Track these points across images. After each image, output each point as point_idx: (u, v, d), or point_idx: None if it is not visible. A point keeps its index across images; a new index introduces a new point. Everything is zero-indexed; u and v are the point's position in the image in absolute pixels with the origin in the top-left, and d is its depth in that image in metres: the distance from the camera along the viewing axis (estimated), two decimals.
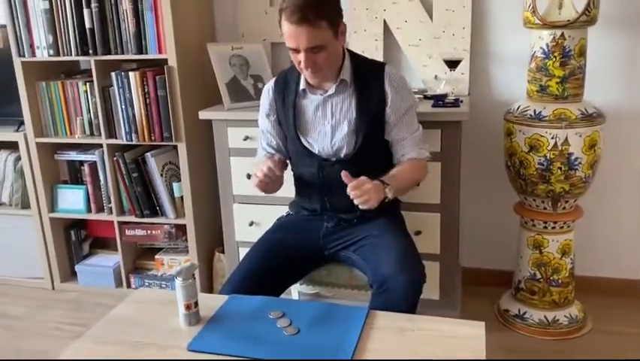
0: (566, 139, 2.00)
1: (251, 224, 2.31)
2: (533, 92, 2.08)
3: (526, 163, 2.07)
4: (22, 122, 2.63)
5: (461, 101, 2.14)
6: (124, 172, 2.53)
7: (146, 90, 2.37)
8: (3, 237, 2.82)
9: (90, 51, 2.40)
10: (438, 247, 2.15)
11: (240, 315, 1.41)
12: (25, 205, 2.76)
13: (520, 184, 2.15)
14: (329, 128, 1.71)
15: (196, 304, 1.39)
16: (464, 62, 2.29)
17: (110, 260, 2.77)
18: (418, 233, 2.07)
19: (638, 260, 2.45)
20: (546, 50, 2.01)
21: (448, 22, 2.33)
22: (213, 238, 2.63)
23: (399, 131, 1.71)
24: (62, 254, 2.80)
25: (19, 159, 2.71)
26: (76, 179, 2.73)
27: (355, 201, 1.51)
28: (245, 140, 2.22)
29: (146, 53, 2.35)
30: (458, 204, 2.15)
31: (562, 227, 2.16)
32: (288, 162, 1.85)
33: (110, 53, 2.39)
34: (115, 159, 2.53)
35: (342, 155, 1.71)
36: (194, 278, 1.40)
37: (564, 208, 2.14)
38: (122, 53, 2.38)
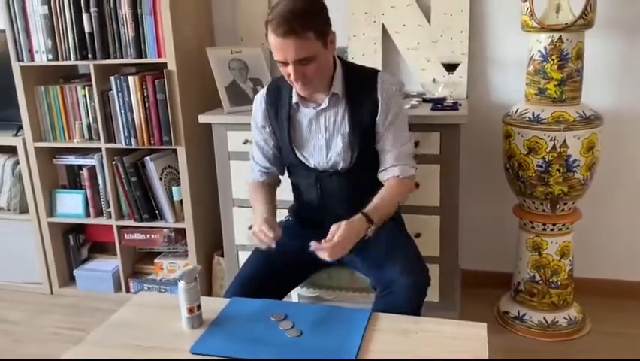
0: (565, 141, 2.01)
1: (250, 228, 2.30)
2: (531, 94, 2.09)
3: (525, 165, 2.09)
4: (20, 127, 2.63)
5: (460, 105, 2.15)
6: (123, 176, 2.52)
7: (145, 94, 2.37)
8: (1, 242, 2.81)
9: (89, 55, 2.40)
10: (437, 250, 2.16)
11: (243, 318, 1.41)
12: (24, 210, 2.75)
13: (519, 186, 2.16)
14: (323, 142, 1.68)
15: (199, 307, 1.39)
16: (462, 66, 2.31)
17: (108, 265, 2.77)
18: (417, 235, 2.07)
19: (636, 262, 2.47)
20: (544, 53, 2.02)
21: (446, 25, 2.35)
22: (213, 241, 2.63)
23: (385, 141, 1.65)
24: (61, 259, 2.80)
25: (17, 163, 2.71)
26: (74, 183, 2.73)
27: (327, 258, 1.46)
28: (244, 143, 2.22)
29: (146, 57, 2.36)
30: (457, 207, 2.16)
31: (560, 229, 2.17)
32: (284, 171, 1.83)
33: (109, 58, 2.39)
34: (114, 163, 2.53)
35: (338, 168, 1.69)
36: (197, 281, 1.40)
37: (563, 210, 2.15)
38: (122, 58, 2.38)
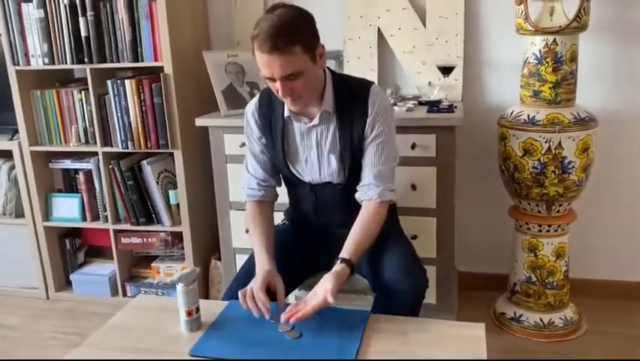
0: (560, 143, 2.02)
1: (247, 231, 2.31)
2: (526, 97, 2.11)
3: (521, 167, 2.10)
4: (16, 131, 2.62)
5: (455, 107, 2.16)
6: (119, 180, 2.52)
7: (141, 98, 2.37)
8: None
9: (85, 59, 2.40)
10: (434, 251, 2.17)
11: (242, 320, 1.42)
12: (20, 214, 2.75)
13: (515, 188, 2.17)
14: (315, 158, 1.66)
15: (197, 310, 1.40)
16: (458, 69, 2.32)
17: (105, 269, 2.76)
18: (414, 237, 2.08)
19: (631, 262, 2.48)
20: (538, 55, 2.04)
21: (441, 29, 2.36)
22: (209, 245, 2.63)
23: (366, 156, 1.61)
24: (57, 263, 2.79)
25: (13, 167, 2.70)
26: (71, 187, 2.72)
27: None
28: (241, 146, 2.23)
29: (142, 61, 2.36)
30: (453, 209, 2.17)
31: (556, 230, 2.18)
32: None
33: (105, 61, 2.39)
34: (110, 166, 2.53)
35: (332, 183, 1.68)
36: (196, 283, 1.40)
37: (558, 211, 2.17)
38: (118, 61, 2.38)
